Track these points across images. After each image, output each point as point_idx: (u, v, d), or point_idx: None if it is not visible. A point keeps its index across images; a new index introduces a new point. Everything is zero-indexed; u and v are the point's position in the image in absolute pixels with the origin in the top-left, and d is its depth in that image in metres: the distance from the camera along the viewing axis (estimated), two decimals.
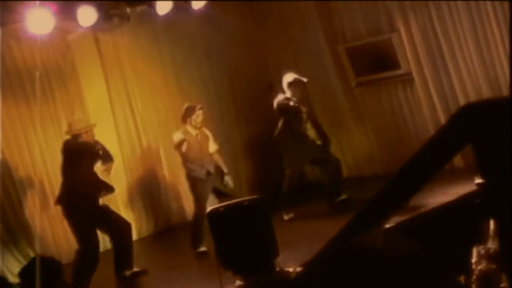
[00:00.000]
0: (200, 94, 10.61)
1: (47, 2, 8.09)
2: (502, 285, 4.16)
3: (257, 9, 11.26)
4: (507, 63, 9.22)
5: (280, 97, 9.29)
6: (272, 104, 9.41)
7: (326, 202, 9.37)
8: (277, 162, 9.87)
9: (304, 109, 9.29)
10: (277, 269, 6.85)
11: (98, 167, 8.17)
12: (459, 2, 9.59)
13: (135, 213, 9.99)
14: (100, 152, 8.03)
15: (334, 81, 10.73)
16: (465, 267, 4.42)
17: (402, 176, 2.85)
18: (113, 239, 8.21)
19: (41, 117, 9.25)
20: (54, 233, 9.32)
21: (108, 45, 10.01)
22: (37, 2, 7.89)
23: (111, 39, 9.95)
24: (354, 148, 10.87)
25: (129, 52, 10.18)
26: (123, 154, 9.87)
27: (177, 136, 8.66)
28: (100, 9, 8.59)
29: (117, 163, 8.90)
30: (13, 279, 7.61)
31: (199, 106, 8.76)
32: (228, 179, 8.85)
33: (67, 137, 8.10)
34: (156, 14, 9.26)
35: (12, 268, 8.41)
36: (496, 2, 9.21)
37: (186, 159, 8.69)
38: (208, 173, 8.70)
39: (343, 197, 9.31)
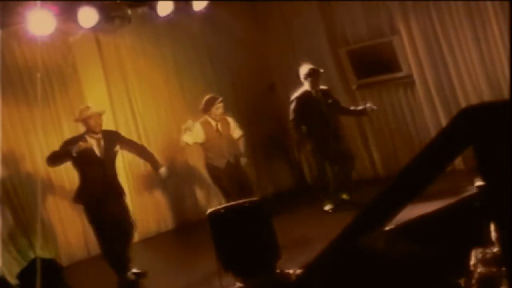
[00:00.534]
0: (202, 94, 10.61)
1: (48, 4, 8.10)
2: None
3: (259, 10, 11.27)
4: (508, 65, 9.22)
5: (299, 91, 9.24)
6: (274, 105, 9.40)
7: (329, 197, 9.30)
8: (279, 161, 9.91)
9: (323, 101, 9.20)
10: (278, 271, 6.85)
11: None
12: (459, 4, 9.58)
13: (136, 214, 9.98)
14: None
15: (336, 83, 10.72)
16: (466, 269, 4.42)
17: (403, 178, 2.84)
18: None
19: (42, 118, 9.25)
20: (56, 234, 9.32)
21: (109, 47, 10.01)
22: (38, 3, 7.90)
23: (112, 41, 9.95)
24: (354, 151, 10.86)
25: (131, 54, 10.19)
26: (123, 156, 9.86)
27: (197, 129, 8.80)
28: (101, 10, 8.60)
29: (118, 164, 8.90)
30: (12, 280, 7.62)
31: (219, 99, 8.90)
32: (243, 161, 9.09)
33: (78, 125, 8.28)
34: (157, 15, 9.27)
35: (11, 270, 8.40)
36: (497, 4, 9.21)
37: (206, 150, 8.82)
38: (229, 163, 8.78)
39: (345, 196, 9.30)
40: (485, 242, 4.47)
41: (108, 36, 9.80)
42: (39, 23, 8.09)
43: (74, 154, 7.77)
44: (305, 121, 9.21)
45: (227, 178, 8.90)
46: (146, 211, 10.18)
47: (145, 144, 10.18)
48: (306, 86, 9.21)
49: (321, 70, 9.29)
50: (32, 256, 8.54)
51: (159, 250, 9.73)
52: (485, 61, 9.60)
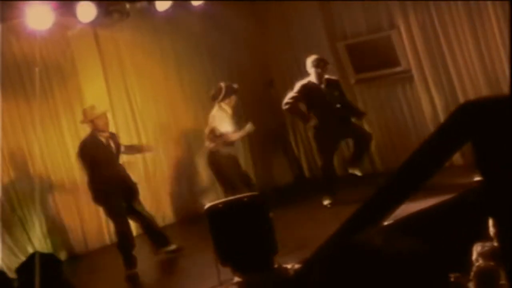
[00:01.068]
0: (201, 90, 10.62)
1: None
2: (501, 282, 4.17)
3: (257, 5, 11.25)
4: (507, 60, 9.22)
5: (304, 80, 9.24)
6: (272, 100, 9.37)
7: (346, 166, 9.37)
8: (278, 156, 9.91)
9: (329, 91, 9.17)
10: (276, 266, 6.87)
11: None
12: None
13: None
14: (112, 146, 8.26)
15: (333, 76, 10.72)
16: (464, 264, 4.43)
17: (402, 173, 2.84)
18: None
19: (40, 113, 9.24)
20: (54, 228, 9.33)
21: (108, 41, 9.99)
22: None
23: (110, 35, 9.93)
24: (353, 145, 10.86)
25: (129, 48, 10.17)
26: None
27: (219, 114, 8.93)
28: (99, 5, 8.59)
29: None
30: (11, 274, 7.61)
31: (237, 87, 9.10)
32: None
33: (84, 126, 8.44)
34: (157, 11, 9.25)
35: (10, 264, 8.40)
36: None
37: (215, 137, 8.90)
38: (231, 154, 8.89)
39: (357, 171, 9.29)
40: (483, 237, 4.49)
41: (107, 31, 9.78)
42: (38, 17, 8.08)
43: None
44: (308, 107, 9.20)
45: (228, 168, 8.90)
46: (147, 205, 10.17)
47: (143, 139, 10.20)
48: (311, 76, 9.18)
49: (328, 62, 9.32)
50: (31, 250, 8.56)
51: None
52: (483, 55, 9.60)
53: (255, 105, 10.98)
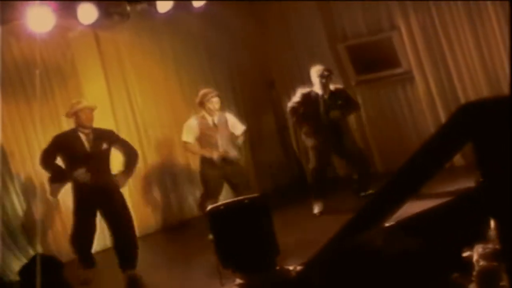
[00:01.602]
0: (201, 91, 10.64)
1: (47, 0, 8.09)
2: (501, 283, 4.16)
3: (257, 6, 11.25)
4: (507, 61, 9.22)
5: (307, 90, 9.14)
6: (273, 101, 9.34)
7: (352, 195, 9.12)
8: (279, 157, 9.89)
9: (332, 102, 9.05)
10: (277, 267, 6.86)
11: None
12: (459, 0, 9.58)
13: (133, 211, 9.97)
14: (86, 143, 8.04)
15: (335, 79, 10.68)
16: (465, 265, 4.42)
17: (403, 174, 2.85)
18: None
19: (41, 115, 9.25)
20: (55, 231, 9.33)
21: (108, 43, 10.00)
22: None
23: (111, 37, 9.94)
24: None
25: (130, 50, 10.18)
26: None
27: (192, 124, 8.80)
28: (100, 6, 8.59)
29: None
30: (13, 277, 7.62)
31: (214, 93, 8.85)
32: (233, 155, 8.87)
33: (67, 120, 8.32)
34: (157, 12, 9.25)
35: (12, 267, 8.41)
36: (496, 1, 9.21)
37: (200, 145, 8.83)
38: (223, 160, 8.74)
39: (370, 191, 8.99)
40: (484, 238, 4.48)
41: (107, 33, 9.79)
42: (38, 19, 8.07)
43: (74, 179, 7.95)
44: (306, 118, 9.15)
45: (216, 176, 8.77)
46: (145, 208, 10.18)
47: (144, 140, 10.20)
48: (316, 87, 9.08)
49: (331, 74, 9.22)
50: (32, 252, 8.56)
51: (158, 247, 9.74)
52: (484, 55, 9.60)
53: (255, 106, 10.99)
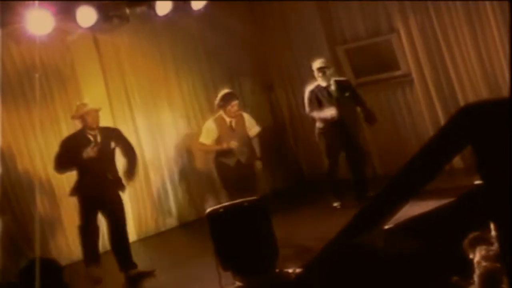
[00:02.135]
0: (200, 93, 10.63)
1: (46, 3, 8.09)
2: (502, 286, 4.16)
3: (257, 9, 11.27)
4: (506, 63, 9.22)
5: (312, 85, 9.18)
6: (272, 103, 9.33)
7: (353, 199, 9.11)
8: (278, 159, 9.84)
9: (338, 94, 9.09)
10: (277, 270, 6.85)
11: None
12: (458, 3, 9.59)
13: (134, 213, 9.98)
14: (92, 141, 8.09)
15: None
16: (465, 267, 4.42)
17: (402, 177, 2.85)
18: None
19: (40, 117, 9.25)
20: (54, 234, 9.32)
21: (108, 46, 10.00)
22: (37, 2, 7.89)
23: (110, 40, 9.94)
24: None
25: (129, 53, 10.18)
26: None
27: (211, 126, 8.84)
28: (99, 9, 8.60)
29: (118, 164, 8.90)
30: (11, 279, 7.60)
31: (236, 98, 8.95)
32: (258, 165, 9.02)
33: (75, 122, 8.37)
34: (156, 15, 9.26)
35: (11, 270, 8.40)
36: (495, 2, 9.21)
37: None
38: (239, 162, 8.79)
39: (370, 194, 8.96)
40: (485, 239, 4.48)
41: (107, 36, 9.79)
42: (37, 22, 8.09)
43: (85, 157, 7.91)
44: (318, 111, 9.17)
45: (234, 178, 8.81)
46: (146, 210, 10.18)
47: (143, 141, 10.19)
48: (318, 80, 9.15)
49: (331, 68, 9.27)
50: (31, 255, 8.55)
51: (158, 248, 9.74)
52: (483, 58, 9.61)
53: (254, 107, 10.99)
